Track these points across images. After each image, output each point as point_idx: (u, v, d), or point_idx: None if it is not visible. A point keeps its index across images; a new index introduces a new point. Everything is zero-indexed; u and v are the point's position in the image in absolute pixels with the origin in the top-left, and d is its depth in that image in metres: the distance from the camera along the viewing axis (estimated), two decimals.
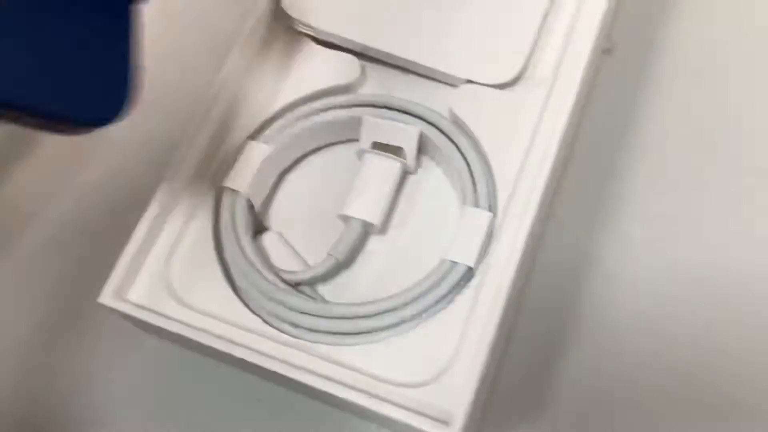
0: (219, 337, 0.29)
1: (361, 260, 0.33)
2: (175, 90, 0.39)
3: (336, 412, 0.31)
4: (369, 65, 0.35)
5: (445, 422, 0.26)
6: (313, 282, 0.32)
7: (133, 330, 0.33)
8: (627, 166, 0.35)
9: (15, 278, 0.36)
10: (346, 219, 0.32)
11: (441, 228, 0.33)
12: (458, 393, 0.27)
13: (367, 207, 0.32)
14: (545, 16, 0.34)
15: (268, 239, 0.33)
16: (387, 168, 0.33)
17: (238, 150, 0.33)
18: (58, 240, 0.36)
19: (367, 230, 0.33)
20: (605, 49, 0.37)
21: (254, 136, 0.34)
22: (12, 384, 0.34)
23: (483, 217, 0.30)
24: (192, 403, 0.33)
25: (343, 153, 0.35)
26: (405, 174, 0.34)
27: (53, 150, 0.38)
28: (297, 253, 0.33)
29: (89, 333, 0.34)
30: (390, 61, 0.34)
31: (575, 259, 0.33)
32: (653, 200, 0.34)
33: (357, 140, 0.34)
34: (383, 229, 0.33)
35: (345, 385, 0.27)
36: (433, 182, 0.34)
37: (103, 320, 0.34)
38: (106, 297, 0.30)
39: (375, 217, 0.32)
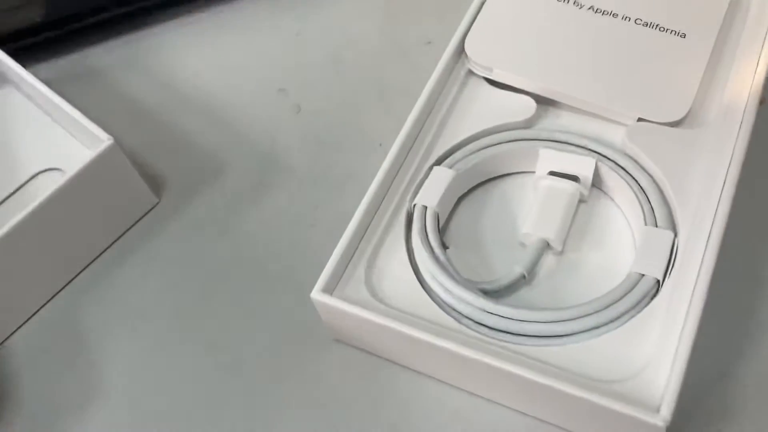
0: (425, 331, 0.31)
1: (537, 277, 0.36)
2: (348, 130, 0.44)
3: (520, 418, 0.33)
4: (542, 105, 0.38)
5: (654, 410, 0.28)
6: (497, 293, 0.35)
7: (320, 336, 0.36)
8: None
9: (200, 286, 0.39)
10: (528, 237, 0.35)
11: (612, 251, 0.36)
12: (660, 387, 0.29)
13: (550, 227, 0.35)
14: (709, 58, 0.38)
15: (449, 255, 0.36)
16: (566, 192, 0.36)
17: (425, 174, 0.37)
18: (250, 257, 0.40)
19: (547, 249, 0.35)
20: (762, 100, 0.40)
21: (439, 162, 0.37)
22: None
23: (665, 235, 0.33)
24: (372, 406, 0.34)
25: (516, 183, 0.38)
26: (579, 201, 0.37)
27: (240, 181, 0.42)
28: (474, 269, 0.36)
29: (273, 337, 0.37)
30: (564, 101, 0.38)
31: (746, 279, 0.35)
32: None
33: (531, 172, 0.38)
34: (561, 249, 0.36)
35: (551, 375, 0.29)
36: (605, 210, 0.37)
37: (282, 325, 0.37)
38: (318, 293, 0.32)
39: (557, 238, 0.35)
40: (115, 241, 0.41)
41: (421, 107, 0.38)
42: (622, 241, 0.36)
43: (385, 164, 0.36)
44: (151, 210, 0.42)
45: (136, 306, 0.39)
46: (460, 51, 0.40)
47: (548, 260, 0.36)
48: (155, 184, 0.42)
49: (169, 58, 0.48)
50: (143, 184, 0.41)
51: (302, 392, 0.35)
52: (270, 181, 0.42)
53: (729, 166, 0.34)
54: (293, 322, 0.37)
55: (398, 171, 0.37)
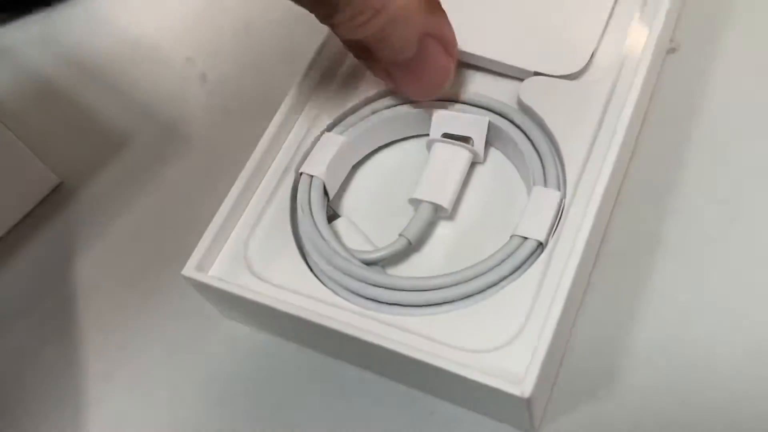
0: (295, 306, 0.30)
1: (430, 244, 0.34)
2: (255, 98, 0.42)
3: (402, 389, 0.32)
4: None
5: (516, 382, 0.27)
6: (384, 262, 0.33)
7: (209, 313, 0.35)
8: (692, 158, 0.35)
9: (101, 265, 0.38)
10: (416, 202, 0.34)
11: (509, 213, 0.34)
12: (529, 356, 0.27)
13: (437, 191, 0.33)
14: (612, 9, 0.35)
15: (340, 224, 0.34)
16: (457, 154, 0.34)
17: (315, 141, 0.35)
18: (142, 230, 0.39)
19: (436, 214, 0.34)
20: (669, 49, 0.38)
21: (330, 128, 0.36)
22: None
23: (552, 195, 0.31)
24: (262, 382, 0.34)
25: (413, 147, 0.37)
26: (473, 163, 0.35)
27: (144, 155, 0.41)
28: (367, 238, 0.34)
29: (166, 316, 0.36)
30: (458, 57, 0.36)
31: (642, 241, 0.34)
32: (720, 188, 0.34)
33: (427, 134, 0.36)
34: (452, 214, 0.34)
35: (416, 348, 0.28)
36: (500, 171, 0.35)
37: (178, 303, 0.36)
38: (190, 270, 0.31)
39: (445, 201, 0.33)
40: (14, 226, 0.40)
41: (306, 69, 0.36)
42: (517, 203, 0.34)
43: (268, 133, 0.35)
44: (53, 191, 0.41)
45: (32, 292, 0.38)
46: None
47: (441, 226, 0.34)
48: (59, 163, 0.41)
49: (81, 31, 0.47)
50: (41, 165, 0.40)
51: (190, 372, 0.34)
52: (173, 153, 0.41)
53: (618, 121, 0.32)
54: (186, 300, 0.36)
55: (286, 139, 0.35)
